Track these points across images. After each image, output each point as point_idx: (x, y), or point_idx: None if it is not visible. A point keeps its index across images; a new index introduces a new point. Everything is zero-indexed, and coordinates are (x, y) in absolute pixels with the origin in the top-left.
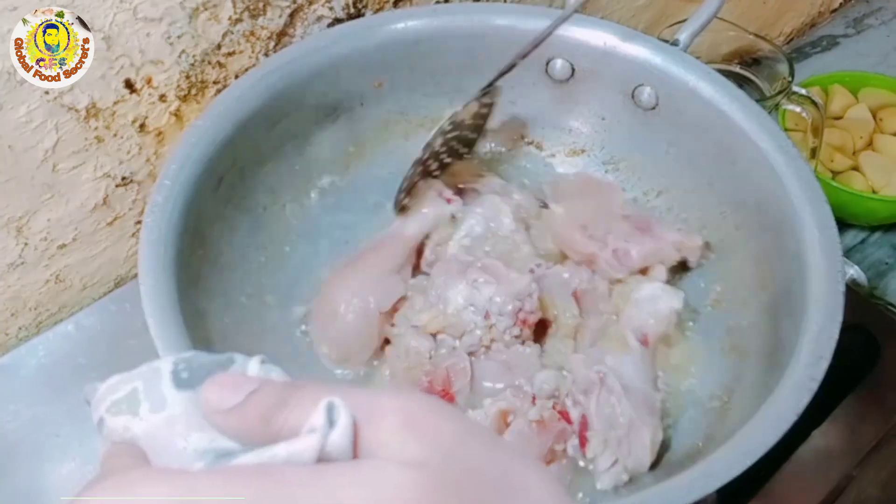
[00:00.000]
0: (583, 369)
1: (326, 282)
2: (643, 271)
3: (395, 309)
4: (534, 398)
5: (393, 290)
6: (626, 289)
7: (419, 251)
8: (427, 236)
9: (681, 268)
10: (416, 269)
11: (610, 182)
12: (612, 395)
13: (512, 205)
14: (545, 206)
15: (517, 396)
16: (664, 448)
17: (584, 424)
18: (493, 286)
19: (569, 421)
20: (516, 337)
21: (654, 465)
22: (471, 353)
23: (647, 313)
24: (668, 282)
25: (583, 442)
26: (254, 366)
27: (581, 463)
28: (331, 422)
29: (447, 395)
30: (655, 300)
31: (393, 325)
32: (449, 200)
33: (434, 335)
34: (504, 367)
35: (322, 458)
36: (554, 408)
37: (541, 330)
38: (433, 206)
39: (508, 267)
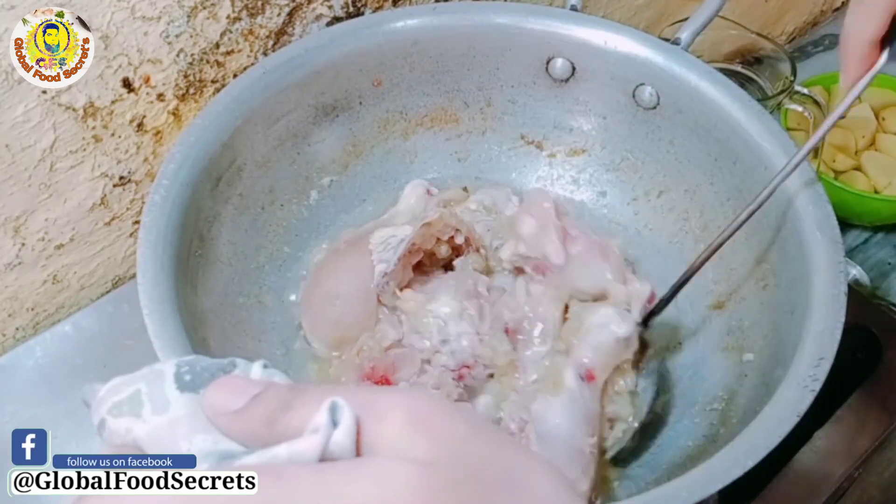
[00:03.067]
0: (505, 419)
1: (315, 271)
2: (599, 297)
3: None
4: None
5: None
6: (577, 323)
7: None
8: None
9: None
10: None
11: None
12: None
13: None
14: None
15: None
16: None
17: None
18: (469, 328)
19: None
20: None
21: None
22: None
23: (589, 345)
24: None
25: None
26: (256, 370)
27: None
28: (334, 422)
29: (385, 383)
30: (601, 329)
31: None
32: (428, 192)
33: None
34: None
35: (326, 458)
36: None
37: None
38: (413, 194)
39: (496, 338)
